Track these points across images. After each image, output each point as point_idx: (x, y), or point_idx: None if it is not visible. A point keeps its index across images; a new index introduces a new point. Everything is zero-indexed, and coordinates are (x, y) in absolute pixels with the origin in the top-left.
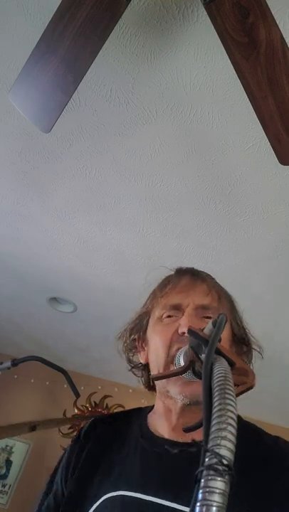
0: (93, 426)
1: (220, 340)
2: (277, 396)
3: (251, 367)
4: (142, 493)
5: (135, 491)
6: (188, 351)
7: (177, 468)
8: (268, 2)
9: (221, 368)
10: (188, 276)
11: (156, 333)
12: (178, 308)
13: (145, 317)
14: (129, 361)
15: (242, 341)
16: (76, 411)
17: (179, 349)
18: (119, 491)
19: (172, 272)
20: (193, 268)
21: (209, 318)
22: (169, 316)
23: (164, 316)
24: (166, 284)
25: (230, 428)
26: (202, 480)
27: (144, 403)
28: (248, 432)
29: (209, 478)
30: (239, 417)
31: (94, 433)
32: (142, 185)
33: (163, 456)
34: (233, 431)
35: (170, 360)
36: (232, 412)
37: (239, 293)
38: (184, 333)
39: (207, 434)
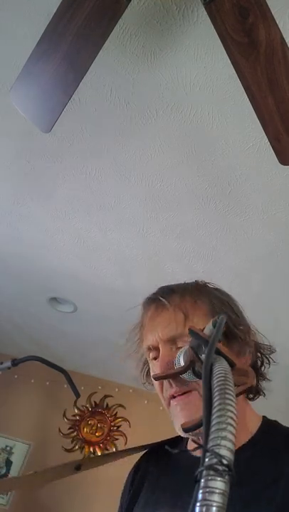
0: (145, 458)
1: (220, 341)
2: (277, 396)
3: (259, 363)
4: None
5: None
6: (188, 351)
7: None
8: (268, 2)
9: (221, 368)
10: (152, 308)
11: (151, 372)
12: (154, 348)
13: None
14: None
15: (234, 336)
16: (76, 411)
17: (169, 397)
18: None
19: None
20: (159, 292)
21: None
22: (154, 358)
23: (151, 357)
24: (139, 324)
25: (230, 428)
26: (202, 480)
27: (146, 404)
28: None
29: (209, 478)
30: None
31: (145, 465)
32: (142, 185)
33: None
34: (233, 431)
35: (168, 402)
36: (232, 412)
37: (239, 293)
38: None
39: (207, 434)
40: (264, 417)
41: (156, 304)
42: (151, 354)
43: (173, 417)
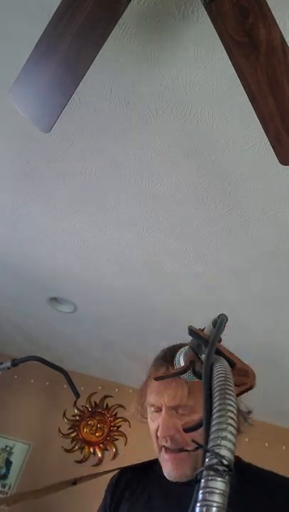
0: (122, 474)
1: (220, 341)
2: (277, 396)
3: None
4: None
5: None
6: (188, 351)
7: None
8: (268, 2)
9: (221, 368)
10: (163, 371)
11: (149, 420)
12: (157, 408)
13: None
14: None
15: None
16: (76, 411)
17: (162, 446)
18: None
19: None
20: (169, 358)
21: (184, 414)
22: (154, 411)
23: (151, 409)
24: (147, 378)
25: (230, 428)
26: (202, 480)
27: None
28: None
29: (209, 478)
30: (240, 460)
31: (124, 479)
32: (142, 185)
33: (176, 492)
34: (234, 431)
35: (159, 448)
36: (232, 412)
37: (239, 293)
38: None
39: (207, 434)
40: (239, 459)
41: (165, 370)
42: (153, 408)
43: (161, 462)
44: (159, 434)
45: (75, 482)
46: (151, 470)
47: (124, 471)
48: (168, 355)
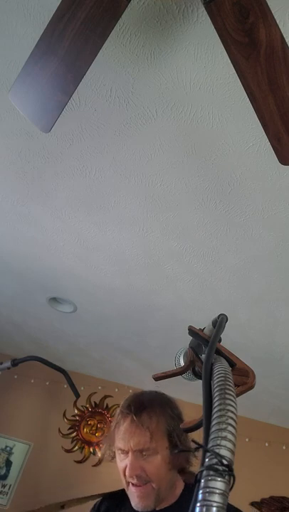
0: (103, 500)
1: (220, 341)
2: (277, 396)
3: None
4: None
5: None
6: (188, 351)
7: None
8: (268, 2)
9: (221, 368)
10: (128, 422)
11: (117, 460)
12: (124, 451)
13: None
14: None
15: (176, 446)
16: (76, 411)
17: (129, 482)
18: None
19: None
20: (133, 409)
21: (148, 455)
22: (122, 453)
23: (119, 452)
24: (115, 425)
25: (230, 428)
26: (202, 480)
27: None
28: None
29: (209, 478)
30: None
31: (104, 505)
32: (142, 185)
33: None
34: (234, 431)
35: (126, 483)
36: (232, 412)
37: (239, 293)
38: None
39: (207, 434)
40: (185, 482)
41: (131, 420)
42: (120, 451)
43: (129, 495)
44: (126, 473)
45: (63, 506)
46: (127, 498)
47: (105, 498)
48: (131, 406)
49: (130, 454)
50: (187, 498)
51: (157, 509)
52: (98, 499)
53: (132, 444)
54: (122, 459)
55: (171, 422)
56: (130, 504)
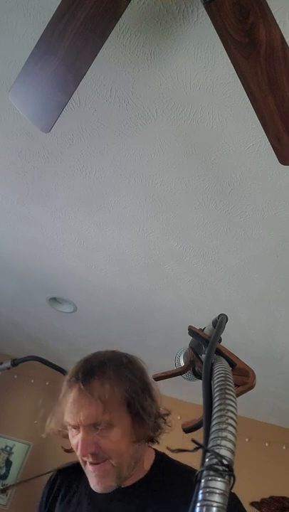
0: (58, 475)
1: (220, 341)
2: (277, 396)
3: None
4: None
5: None
6: (188, 351)
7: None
8: (268, 2)
9: (221, 368)
10: (76, 390)
11: (70, 436)
12: (75, 427)
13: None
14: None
15: (139, 418)
16: None
17: (86, 461)
18: None
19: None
20: (80, 377)
21: (102, 429)
22: (73, 428)
23: (69, 427)
24: (62, 397)
25: (230, 428)
26: (202, 480)
27: None
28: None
29: (209, 478)
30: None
31: (59, 479)
32: (141, 185)
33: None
34: (234, 431)
35: (83, 462)
36: (232, 412)
37: (239, 293)
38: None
39: (207, 434)
40: (156, 452)
41: (78, 389)
42: (70, 427)
43: (87, 474)
44: (78, 452)
45: (3, 490)
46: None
47: (60, 472)
48: (79, 373)
49: (81, 429)
50: (158, 471)
51: (124, 486)
52: (53, 474)
53: (82, 418)
54: (74, 435)
55: (130, 387)
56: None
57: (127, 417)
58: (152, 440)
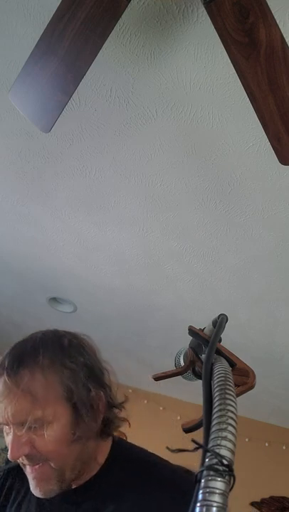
0: (8, 475)
1: (220, 341)
2: (277, 396)
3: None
4: None
5: None
6: (188, 351)
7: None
8: (268, 2)
9: (221, 368)
10: (2, 382)
11: (4, 434)
12: (4, 423)
13: None
14: None
15: (81, 409)
16: None
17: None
18: None
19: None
20: (7, 366)
21: (35, 427)
22: (3, 425)
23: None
24: None
25: (230, 428)
26: (202, 480)
27: (146, 404)
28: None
29: (209, 478)
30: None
31: (9, 481)
32: (141, 185)
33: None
34: (234, 431)
35: (22, 464)
36: (232, 412)
37: (239, 293)
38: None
39: (207, 434)
40: (113, 442)
41: (3, 382)
42: (1, 424)
43: (27, 476)
44: (9, 456)
45: None
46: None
47: (11, 471)
48: (5, 361)
49: (11, 427)
50: (114, 465)
51: (76, 486)
52: (1, 473)
53: (10, 415)
54: (8, 433)
55: (70, 375)
56: None
57: (66, 411)
58: (107, 434)
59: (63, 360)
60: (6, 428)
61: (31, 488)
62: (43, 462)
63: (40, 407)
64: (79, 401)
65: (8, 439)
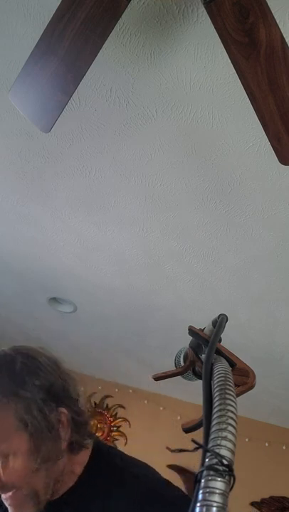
0: None
1: (220, 341)
2: (277, 396)
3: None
4: None
5: None
6: (188, 351)
7: None
8: (268, 2)
9: (221, 368)
10: None
11: None
12: None
13: None
14: None
15: (42, 434)
16: None
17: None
18: None
19: None
20: None
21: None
22: None
23: None
24: None
25: (230, 428)
26: (202, 480)
27: (146, 404)
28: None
29: (209, 478)
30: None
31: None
32: (141, 185)
33: None
34: (234, 431)
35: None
36: (232, 412)
37: (239, 293)
38: None
39: (207, 434)
40: (92, 450)
41: None
42: None
43: (5, 503)
44: None
45: None
46: None
47: None
48: None
49: None
50: (93, 472)
51: (53, 499)
52: None
53: None
54: None
55: (24, 404)
56: None
57: (23, 442)
58: (80, 445)
59: (16, 391)
60: None
61: None
62: (14, 490)
63: None
64: (35, 429)
65: None
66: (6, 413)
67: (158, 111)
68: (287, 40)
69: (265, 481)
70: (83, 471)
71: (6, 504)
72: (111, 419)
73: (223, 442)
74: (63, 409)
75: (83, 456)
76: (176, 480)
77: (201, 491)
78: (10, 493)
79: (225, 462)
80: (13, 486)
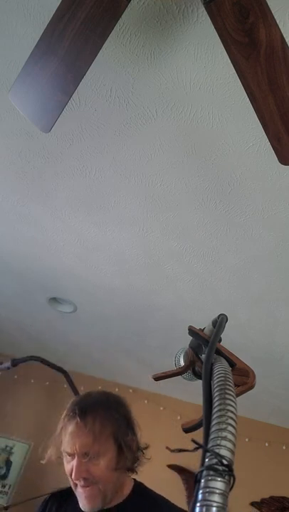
0: (50, 497)
1: (220, 341)
2: (277, 396)
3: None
4: None
5: None
6: (188, 351)
7: None
8: (268, 2)
9: (221, 368)
10: (73, 426)
11: (64, 462)
12: (70, 454)
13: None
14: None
15: (123, 452)
16: None
17: (76, 484)
18: None
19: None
20: (78, 412)
21: (92, 458)
22: (68, 455)
23: (65, 454)
24: (61, 428)
25: (230, 428)
26: (202, 480)
27: (146, 404)
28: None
29: (209, 478)
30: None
31: (51, 501)
32: (141, 185)
33: None
34: (234, 431)
35: (74, 484)
36: (232, 412)
37: (239, 293)
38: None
39: (207, 434)
40: (135, 481)
41: (76, 423)
42: (66, 454)
43: (77, 495)
44: (72, 476)
45: (6, 508)
46: (74, 495)
47: (53, 495)
48: (76, 409)
49: (76, 456)
50: (135, 499)
51: (105, 508)
52: (47, 496)
53: (77, 447)
54: (69, 461)
55: (116, 424)
56: (76, 501)
57: (113, 448)
58: (132, 470)
59: (112, 412)
60: (68, 458)
61: (81, 505)
62: (93, 484)
63: (98, 444)
64: (122, 441)
65: (70, 466)
66: (107, 425)
67: (158, 111)
68: (287, 40)
69: (265, 481)
70: (129, 494)
71: (82, 496)
72: None
73: (223, 442)
74: (134, 437)
75: (129, 482)
76: (176, 480)
77: (201, 491)
78: (88, 487)
79: (225, 462)
80: (96, 481)
